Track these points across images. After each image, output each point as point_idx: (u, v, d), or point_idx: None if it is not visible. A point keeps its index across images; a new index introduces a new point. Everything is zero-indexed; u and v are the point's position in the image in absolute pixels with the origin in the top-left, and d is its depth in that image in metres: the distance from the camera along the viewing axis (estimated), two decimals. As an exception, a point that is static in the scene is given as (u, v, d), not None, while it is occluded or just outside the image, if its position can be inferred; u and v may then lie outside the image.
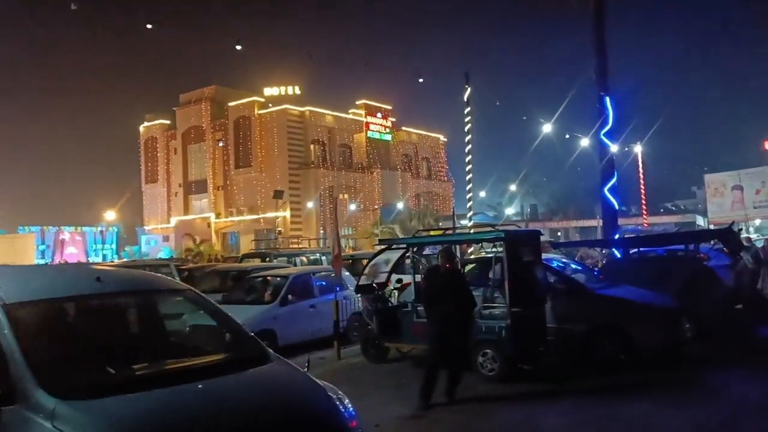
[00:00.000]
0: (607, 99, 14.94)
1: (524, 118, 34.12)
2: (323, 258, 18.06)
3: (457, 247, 10.13)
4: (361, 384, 9.06)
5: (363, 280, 10.21)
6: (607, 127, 14.90)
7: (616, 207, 14.81)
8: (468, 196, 19.31)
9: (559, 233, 54.17)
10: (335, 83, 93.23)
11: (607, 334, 9.12)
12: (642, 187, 32.60)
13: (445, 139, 64.58)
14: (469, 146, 17.99)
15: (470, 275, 10.49)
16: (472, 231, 9.24)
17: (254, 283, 12.23)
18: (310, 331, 11.59)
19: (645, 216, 33.73)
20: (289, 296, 11.42)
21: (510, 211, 76.95)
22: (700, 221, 39.49)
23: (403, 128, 60.12)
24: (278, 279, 11.81)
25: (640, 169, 32.33)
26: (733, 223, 11.46)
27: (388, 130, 57.92)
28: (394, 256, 10.36)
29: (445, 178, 64.03)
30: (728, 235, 11.38)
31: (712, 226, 38.11)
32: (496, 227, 8.81)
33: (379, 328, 9.53)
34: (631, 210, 59.31)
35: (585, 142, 31.22)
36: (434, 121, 62.26)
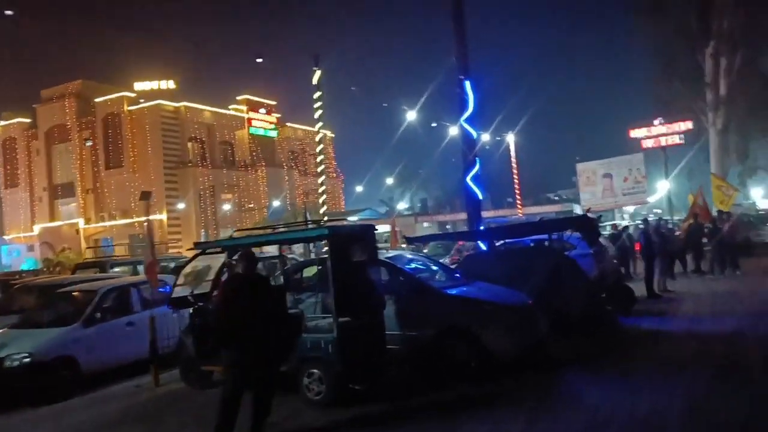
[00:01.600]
0: (468, 84, 14.04)
1: (404, 108, 33.06)
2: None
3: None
4: (176, 416, 7.48)
5: (178, 292, 8.56)
6: (468, 113, 14.00)
7: (480, 197, 13.96)
8: (320, 189, 17.92)
9: (448, 226, 54.24)
10: (215, 77, 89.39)
11: (456, 338, 8.03)
12: (515, 176, 32.69)
13: (333, 135, 63.22)
14: (320, 135, 16.58)
15: (309, 281, 9.13)
16: (292, 229, 7.88)
17: (57, 300, 10.19)
18: (130, 353, 9.78)
19: (519, 206, 33.91)
20: (98, 314, 9.52)
21: (402, 205, 77.00)
22: (578, 210, 40.56)
23: (288, 124, 58.15)
24: (84, 294, 9.86)
25: (513, 159, 32.38)
26: (588, 210, 10.83)
27: (272, 126, 55.74)
28: (217, 262, 8.76)
29: (334, 174, 62.67)
30: (584, 223, 10.69)
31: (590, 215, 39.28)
32: (322, 223, 7.47)
33: (196, 347, 7.90)
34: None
35: (454, 130, 30.81)
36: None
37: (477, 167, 13.97)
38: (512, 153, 32.33)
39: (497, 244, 13.36)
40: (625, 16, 32.09)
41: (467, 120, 14.10)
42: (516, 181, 32.55)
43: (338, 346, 6.83)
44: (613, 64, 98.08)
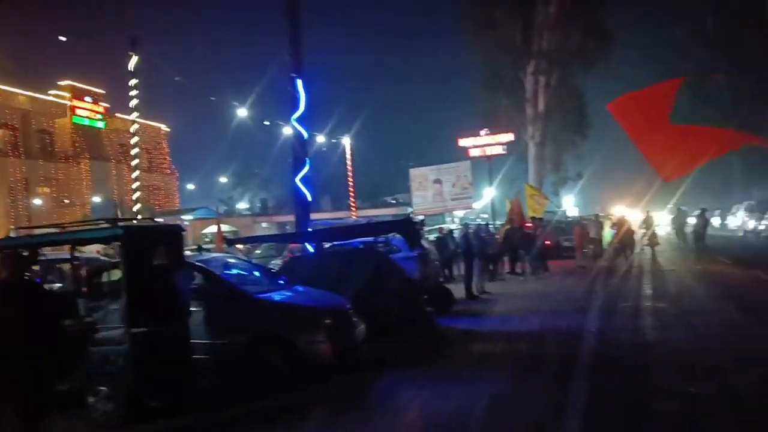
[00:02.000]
0: (299, 82, 13.69)
1: (228, 99, 31.44)
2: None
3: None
4: None
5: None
6: (299, 112, 13.65)
7: (309, 198, 13.65)
8: (135, 185, 16.66)
9: (287, 227, 53.52)
10: (35, 60, 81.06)
11: (269, 345, 7.62)
12: (350, 179, 32.99)
13: (168, 129, 59.88)
14: (136, 125, 15.35)
15: (112, 286, 8.20)
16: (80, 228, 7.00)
17: None
18: None
19: (354, 208, 34.31)
20: None
21: (243, 205, 74.85)
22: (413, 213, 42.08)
23: (119, 115, 54.03)
24: None
25: (348, 162, 32.70)
26: (411, 212, 10.99)
27: (99, 116, 51.50)
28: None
29: (168, 171, 59.36)
30: (406, 226, 10.81)
31: (420, 218, 40.68)
32: (116, 222, 6.67)
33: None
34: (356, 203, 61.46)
35: (289, 129, 30.35)
36: (154, 110, 56.99)
37: (307, 168, 13.66)
38: (348, 155, 32.61)
39: (327, 246, 13.18)
40: (456, 28, 33.60)
41: (298, 119, 13.74)
42: (351, 183, 32.84)
43: (130, 359, 6.12)
44: (448, 72, 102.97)
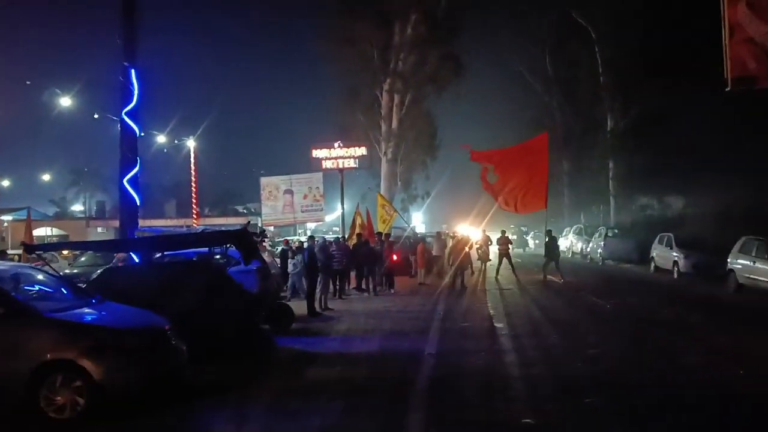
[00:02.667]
0: (133, 72, 12.24)
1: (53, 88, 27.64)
2: None
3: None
4: None
5: None
6: (131, 105, 12.20)
7: (138, 202, 12.19)
8: None
9: (126, 232, 49.45)
10: None
11: (62, 373, 6.31)
12: (194, 184, 30.94)
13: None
14: None
15: None
16: None
17: None
18: None
19: (196, 216, 32.22)
20: None
21: (77, 207, 68.27)
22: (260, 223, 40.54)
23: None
24: None
25: (192, 166, 30.69)
26: (248, 223, 10.05)
27: None
28: None
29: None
30: (240, 237, 9.84)
31: (272, 228, 39.27)
32: None
33: None
34: (204, 211, 58.34)
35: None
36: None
37: (137, 168, 12.21)
38: (192, 159, 30.52)
39: (157, 256, 11.79)
40: (316, 40, 33.03)
41: (130, 113, 12.26)
42: (194, 188, 30.74)
43: None
44: (306, 81, 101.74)
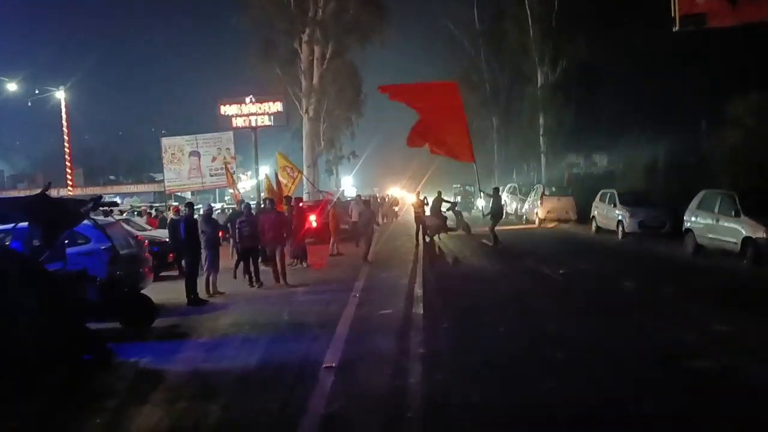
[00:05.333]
0: None
1: None
2: None
3: None
4: None
5: None
6: None
7: None
8: None
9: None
10: None
11: None
12: (66, 145, 25.89)
13: None
14: None
15: None
16: None
17: None
18: None
19: (70, 184, 27.19)
20: None
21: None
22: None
23: None
24: None
25: (64, 123, 25.47)
26: (48, 185, 6.57)
27: None
28: None
29: None
30: (34, 208, 6.34)
31: (181, 195, 34.87)
32: None
33: None
34: (119, 178, 52.79)
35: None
36: None
37: None
38: (63, 115, 25.10)
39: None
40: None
41: None
42: (67, 149, 25.63)
43: None
44: (215, 31, 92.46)
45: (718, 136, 19.04)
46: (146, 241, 11.20)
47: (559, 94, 30.35)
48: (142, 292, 9.14)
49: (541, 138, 32.80)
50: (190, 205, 11.19)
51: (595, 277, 11.50)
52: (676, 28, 16.07)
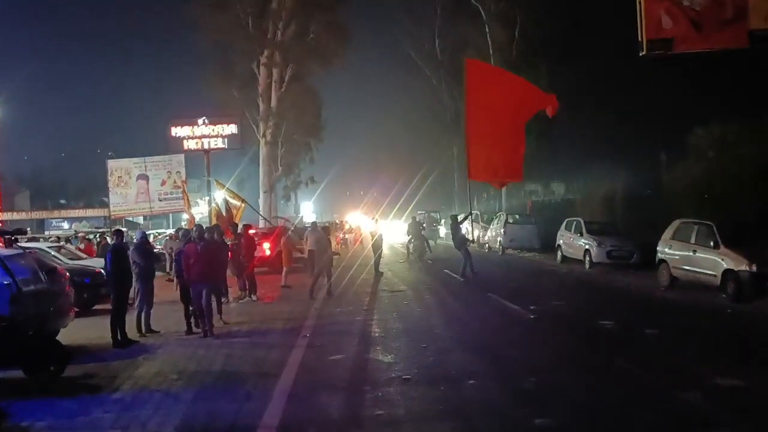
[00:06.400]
0: None
1: None
2: None
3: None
4: None
5: None
6: None
7: None
8: None
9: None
10: None
11: None
12: None
13: None
14: None
15: None
16: None
17: None
18: None
19: None
20: None
21: None
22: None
23: None
24: None
25: None
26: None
27: None
28: None
29: None
30: None
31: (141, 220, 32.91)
32: None
33: None
34: (69, 202, 50.01)
35: None
36: None
37: None
38: None
39: None
40: (182, 5, 27.12)
41: None
42: None
43: None
44: (172, 51, 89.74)
45: (679, 166, 18.66)
46: (67, 273, 9.67)
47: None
48: (56, 333, 7.68)
49: (502, 166, 32.22)
50: (118, 233, 9.77)
51: (570, 316, 10.41)
52: (643, 53, 15.58)
